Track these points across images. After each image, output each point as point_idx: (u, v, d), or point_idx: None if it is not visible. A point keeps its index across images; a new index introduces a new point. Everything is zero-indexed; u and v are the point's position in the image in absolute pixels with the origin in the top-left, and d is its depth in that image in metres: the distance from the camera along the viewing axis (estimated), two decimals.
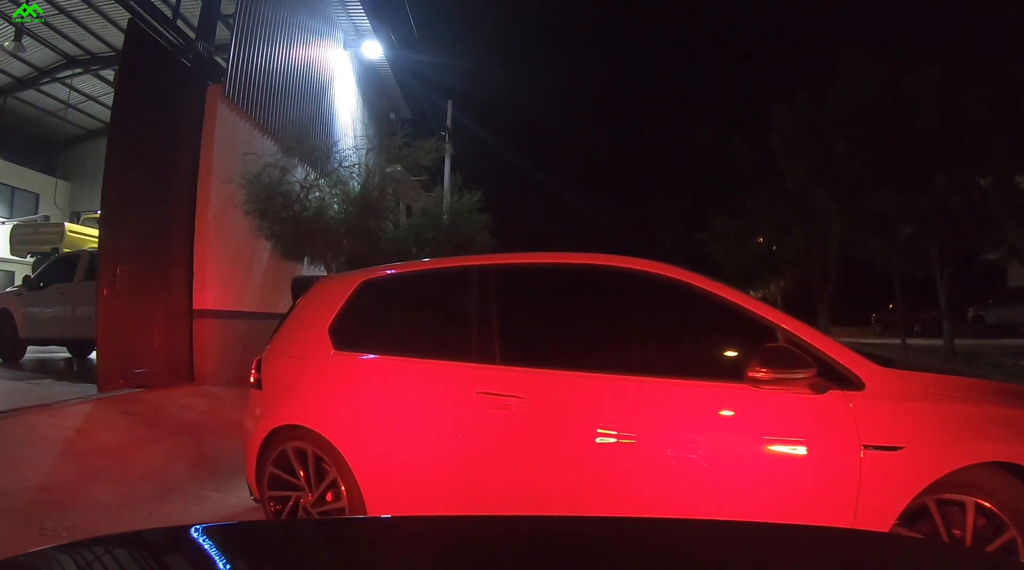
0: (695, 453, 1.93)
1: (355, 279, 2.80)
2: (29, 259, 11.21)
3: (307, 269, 8.42)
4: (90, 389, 5.46)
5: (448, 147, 14.39)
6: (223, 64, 7.54)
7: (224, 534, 0.96)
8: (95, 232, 8.75)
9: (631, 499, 1.97)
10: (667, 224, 23.87)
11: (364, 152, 8.36)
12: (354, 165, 8.17)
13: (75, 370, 8.08)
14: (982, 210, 10.54)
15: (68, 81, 13.52)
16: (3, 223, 14.51)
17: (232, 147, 7.24)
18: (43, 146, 16.75)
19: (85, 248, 8.83)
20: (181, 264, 6.74)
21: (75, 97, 14.31)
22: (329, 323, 2.68)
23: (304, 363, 2.69)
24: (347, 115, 11.39)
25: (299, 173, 7.86)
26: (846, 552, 0.94)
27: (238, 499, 3.50)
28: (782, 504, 1.82)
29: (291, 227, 7.41)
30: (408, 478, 2.32)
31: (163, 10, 7.20)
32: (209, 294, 6.87)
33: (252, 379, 2.87)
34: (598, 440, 2.00)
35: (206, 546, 0.86)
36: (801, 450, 1.83)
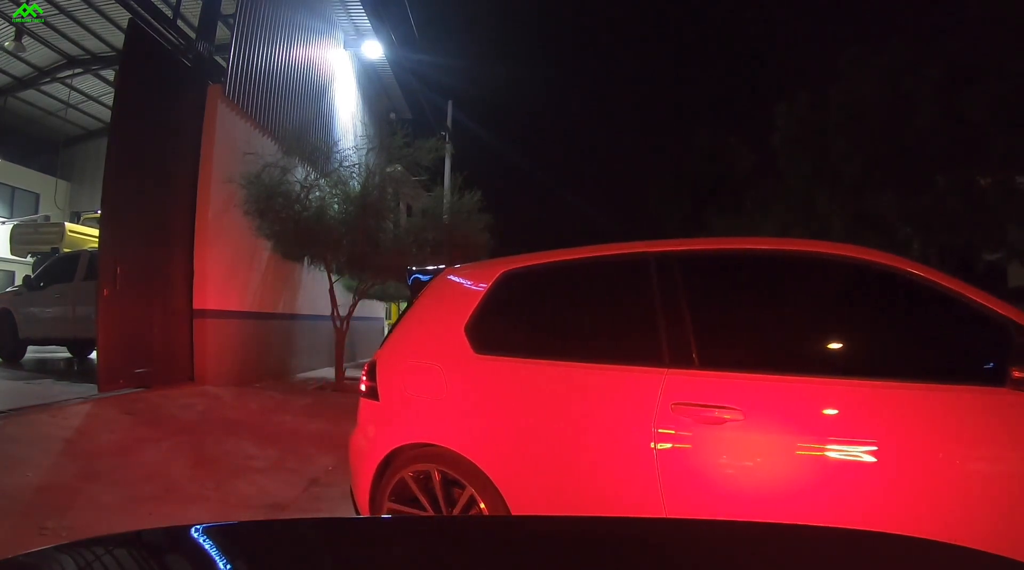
0: (956, 473, 1.62)
1: (494, 270, 2.41)
2: (29, 259, 11.21)
3: (307, 269, 8.41)
4: (90, 389, 5.46)
5: (448, 147, 14.39)
6: (223, 64, 7.54)
7: (224, 534, 0.96)
8: (95, 232, 8.76)
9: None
10: (667, 223, 23.88)
11: (364, 152, 8.37)
12: (354, 165, 8.18)
13: (75, 370, 8.08)
14: (982, 210, 10.55)
15: (68, 81, 13.50)
16: (3, 223, 14.50)
17: (232, 147, 7.24)
18: (43, 146, 16.72)
19: (85, 248, 8.83)
20: (181, 264, 6.74)
21: (75, 97, 14.29)
22: (465, 322, 2.29)
23: (435, 369, 2.31)
24: (347, 115, 11.40)
25: (299, 173, 7.87)
26: (846, 552, 0.94)
27: (238, 499, 3.51)
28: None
29: (291, 227, 7.42)
30: (582, 512, 1.94)
31: (163, 10, 7.20)
32: (209, 294, 6.88)
33: (363, 387, 2.49)
34: (861, 456, 1.67)
35: (206, 546, 0.85)
36: None
